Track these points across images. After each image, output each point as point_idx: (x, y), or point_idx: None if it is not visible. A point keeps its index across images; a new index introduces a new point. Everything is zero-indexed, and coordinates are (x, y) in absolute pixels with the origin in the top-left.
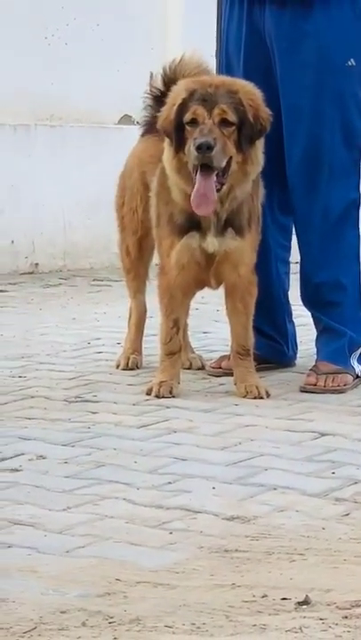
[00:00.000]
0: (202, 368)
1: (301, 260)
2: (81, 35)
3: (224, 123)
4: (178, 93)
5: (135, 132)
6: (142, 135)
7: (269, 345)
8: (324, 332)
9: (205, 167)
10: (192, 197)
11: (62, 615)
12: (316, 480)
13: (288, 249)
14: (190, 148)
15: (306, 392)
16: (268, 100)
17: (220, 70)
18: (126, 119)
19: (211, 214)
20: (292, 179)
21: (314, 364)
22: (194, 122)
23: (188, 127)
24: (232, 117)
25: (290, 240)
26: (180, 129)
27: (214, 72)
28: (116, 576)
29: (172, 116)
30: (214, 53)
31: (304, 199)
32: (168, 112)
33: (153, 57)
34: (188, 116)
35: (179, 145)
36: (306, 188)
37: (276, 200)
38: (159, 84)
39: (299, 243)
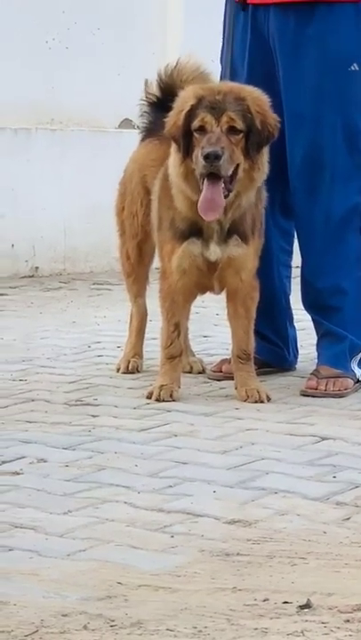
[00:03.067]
0: (202, 372)
1: (303, 264)
2: (82, 39)
3: (232, 130)
4: (186, 100)
5: (135, 136)
6: (142, 140)
7: (270, 349)
8: (324, 336)
9: (213, 176)
10: (200, 203)
11: (63, 618)
12: (317, 484)
13: (290, 253)
14: (198, 156)
15: (307, 396)
16: (272, 104)
17: (224, 74)
18: (127, 123)
19: (216, 220)
20: (294, 182)
21: (315, 368)
22: (202, 129)
23: (195, 134)
24: (240, 125)
25: (292, 244)
26: (188, 135)
27: (214, 76)
28: (118, 579)
29: (179, 123)
30: (217, 58)
31: (306, 203)
32: (176, 118)
33: (153, 61)
34: (196, 124)
35: (186, 152)
36: (308, 191)
37: (278, 204)
38: (155, 89)
39: (300, 247)
